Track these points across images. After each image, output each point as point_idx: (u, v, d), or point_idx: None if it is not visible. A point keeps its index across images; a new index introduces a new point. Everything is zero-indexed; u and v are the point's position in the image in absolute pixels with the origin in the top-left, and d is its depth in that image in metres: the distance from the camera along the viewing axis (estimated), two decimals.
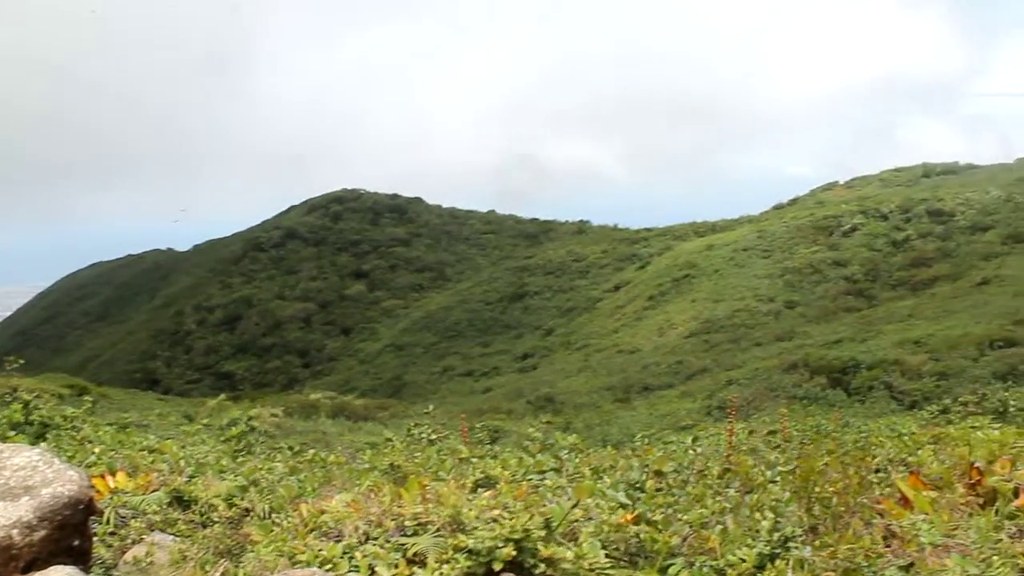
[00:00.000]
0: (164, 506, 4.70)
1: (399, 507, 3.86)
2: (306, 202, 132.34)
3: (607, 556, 3.57)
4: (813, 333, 50.62)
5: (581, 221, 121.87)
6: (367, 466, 6.01)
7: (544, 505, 3.89)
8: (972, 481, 3.73)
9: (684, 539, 3.96)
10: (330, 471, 6.33)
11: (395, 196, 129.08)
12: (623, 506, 4.11)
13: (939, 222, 66.37)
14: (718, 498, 4.56)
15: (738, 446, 7.47)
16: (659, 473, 4.68)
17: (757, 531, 3.92)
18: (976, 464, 3.70)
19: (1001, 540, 3.00)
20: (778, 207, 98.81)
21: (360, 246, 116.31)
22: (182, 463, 5.80)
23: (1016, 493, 3.50)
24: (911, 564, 3.06)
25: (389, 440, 7.28)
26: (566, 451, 5.93)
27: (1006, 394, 17.64)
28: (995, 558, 2.84)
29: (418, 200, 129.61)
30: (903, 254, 63.37)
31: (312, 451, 6.97)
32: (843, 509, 3.79)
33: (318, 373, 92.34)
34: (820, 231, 72.12)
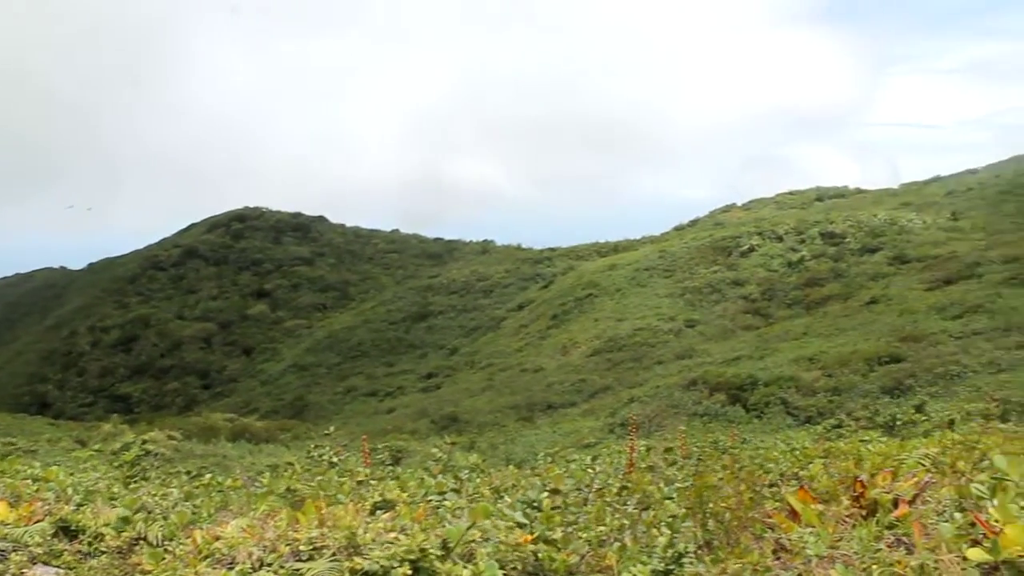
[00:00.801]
0: (48, 537, 4.51)
1: (295, 532, 3.80)
2: (207, 220, 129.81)
3: (504, 575, 3.58)
4: (713, 351, 51.67)
5: (485, 241, 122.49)
6: (265, 490, 5.90)
7: (443, 526, 3.89)
8: (856, 493, 3.86)
9: (582, 557, 3.99)
10: (227, 496, 6.20)
11: (298, 214, 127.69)
12: (521, 526, 4.13)
13: (831, 244, 68.60)
14: (616, 516, 4.62)
15: (638, 463, 7.58)
16: (556, 492, 4.71)
17: (654, 547, 3.99)
18: (859, 477, 3.83)
19: (880, 549, 3.11)
20: (679, 228, 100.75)
21: (262, 265, 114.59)
22: (69, 491, 5.59)
23: (896, 504, 3.63)
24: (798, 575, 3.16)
25: (289, 463, 7.16)
26: (466, 471, 5.94)
27: (896, 409, 18.30)
28: (874, 567, 2.95)
29: (321, 219, 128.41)
30: (798, 274, 65.25)
31: (209, 475, 6.80)
32: (735, 524, 3.88)
33: (218, 395, 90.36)
34: (719, 252, 73.79)
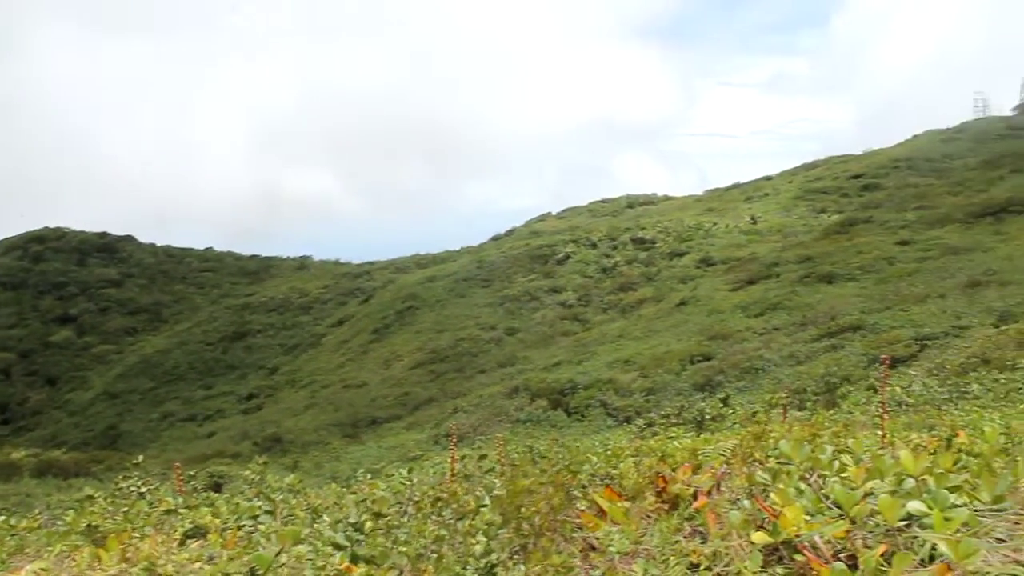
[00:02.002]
0: None
1: (95, 570, 3.65)
2: (0, 242, 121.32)
3: None
4: (533, 358, 52.59)
5: (303, 257, 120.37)
6: (66, 528, 5.59)
7: (255, 551, 3.81)
8: (659, 489, 4.03)
9: (400, 572, 4.00)
10: (23, 538, 5.83)
11: (104, 234, 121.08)
12: (340, 547, 4.11)
13: (642, 249, 71.21)
14: (434, 527, 4.66)
15: (460, 473, 7.65)
16: (378, 514, 4.71)
17: (471, 556, 4.05)
18: (662, 473, 4.02)
19: (679, 541, 3.28)
20: (496, 238, 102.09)
21: (66, 288, 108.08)
22: None
23: (695, 496, 3.82)
24: (603, 573, 3.28)
25: (90, 497, 6.81)
26: (280, 493, 5.83)
27: (703, 404, 19.17)
28: (673, 558, 3.11)
29: (130, 238, 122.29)
30: (612, 279, 67.33)
31: (2, 517, 6.37)
32: (546, 527, 3.99)
33: (20, 429, 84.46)
34: (536, 260, 75.20)
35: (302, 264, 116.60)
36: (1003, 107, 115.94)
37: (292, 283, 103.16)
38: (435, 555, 4.20)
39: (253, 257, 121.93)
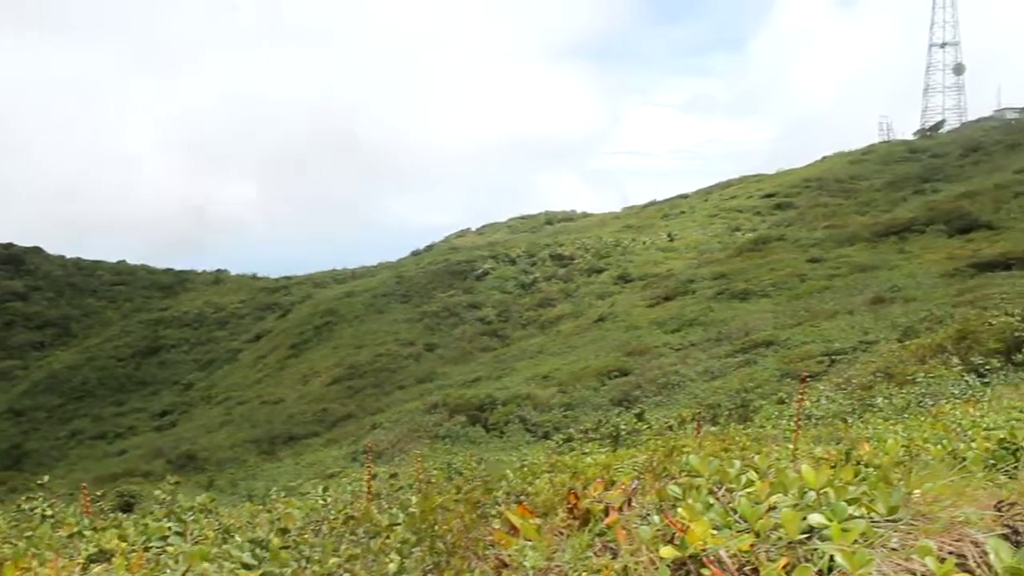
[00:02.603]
0: None
1: None
2: None
3: None
4: (452, 374, 52.53)
5: (219, 270, 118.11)
6: None
7: (162, 574, 3.74)
8: (571, 505, 4.06)
9: None
10: None
11: (9, 245, 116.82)
12: (248, 567, 4.05)
13: (561, 265, 71.73)
14: (347, 546, 4.63)
15: (377, 491, 7.60)
16: (285, 530, 4.65)
17: (384, 575, 4.03)
18: (573, 489, 4.05)
19: (590, 557, 3.32)
20: (415, 253, 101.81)
21: None
22: None
23: (607, 511, 3.86)
24: None
25: None
26: (192, 513, 5.72)
27: (618, 419, 19.37)
28: (584, 574, 3.14)
29: (36, 250, 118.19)
30: (531, 295, 67.67)
31: None
32: (459, 545, 4.00)
33: None
34: (455, 276, 75.18)
35: (218, 278, 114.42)
36: (906, 131, 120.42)
37: (208, 297, 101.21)
38: (347, 574, 4.17)
39: (168, 271, 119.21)
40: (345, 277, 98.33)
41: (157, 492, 6.82)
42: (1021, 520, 2.96)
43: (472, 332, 63.57)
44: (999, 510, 3.03)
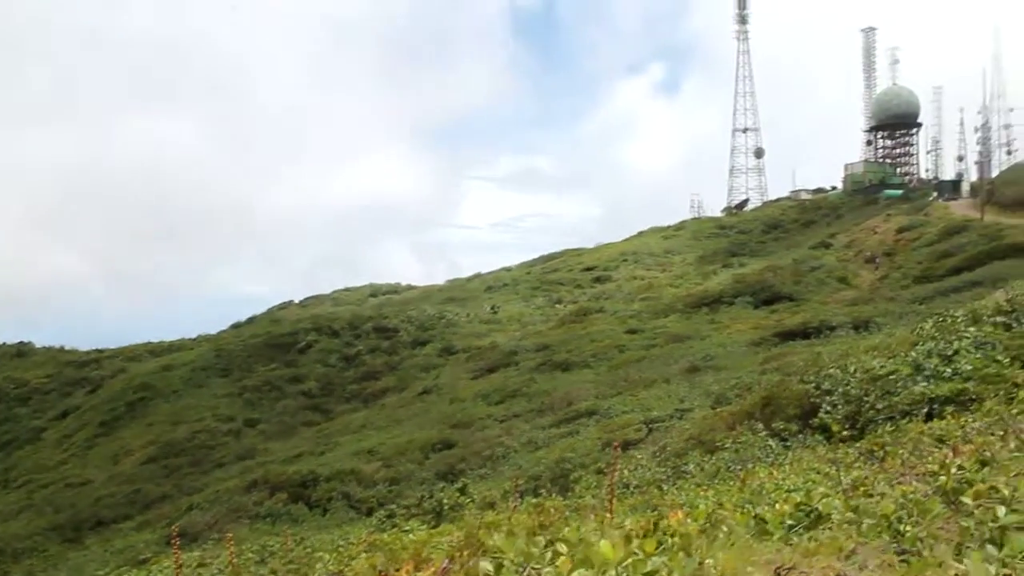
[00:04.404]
0: None
1: None
2: None
3: None
4: (274, 450, 51.03)
5: (21, 343, 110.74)
6: None
7: None
8: None
9: None
10: None
11: None
12: None
13: (385, 338, 71.28)
14: None
15: None
16: None
17: None
18: (384, 571, 4.07)
19: None
20: (236, 325, 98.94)
21: None
22: None
23: None
24: None
25: None
26: None
27: (441, 494, 19.31)
28: None
29: None
30: (355, 369, 66.84)
31: None
32: None
33: None
34: (277, 348, 73.45)
35: (20, 351, 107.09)
36: (715, 208, 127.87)
37: (8, 372, 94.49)
38: None
39: None
40: (162, 350, 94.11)
41: None
42: None
43: (294, 406, 62.08)
44: (778, 575, 3.26)
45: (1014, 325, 16.74)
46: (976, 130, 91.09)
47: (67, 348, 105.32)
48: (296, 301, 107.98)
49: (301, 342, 73.23)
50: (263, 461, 47.98)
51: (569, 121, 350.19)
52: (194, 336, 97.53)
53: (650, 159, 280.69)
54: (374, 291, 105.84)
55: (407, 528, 8.83)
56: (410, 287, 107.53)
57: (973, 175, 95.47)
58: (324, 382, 65.51)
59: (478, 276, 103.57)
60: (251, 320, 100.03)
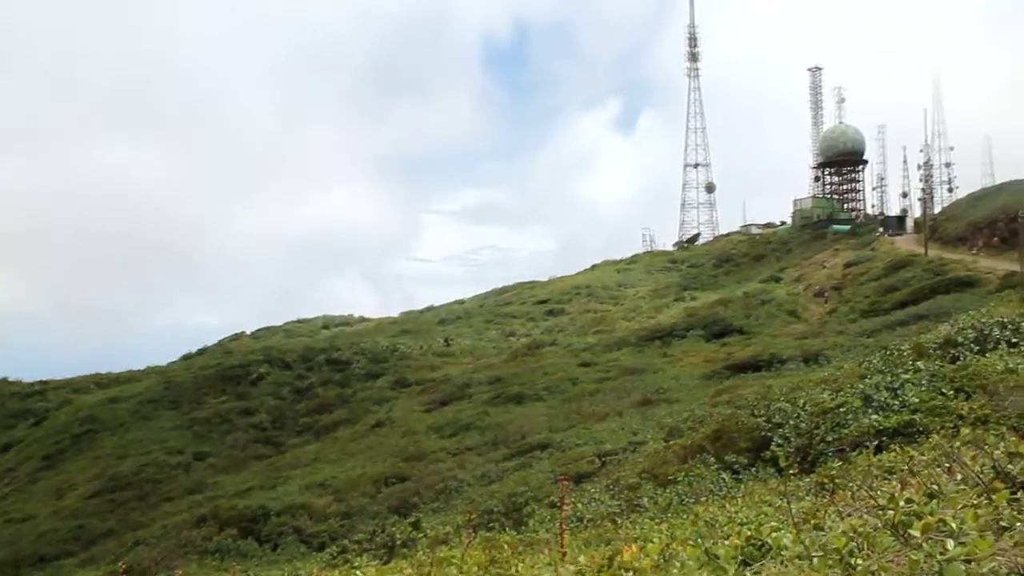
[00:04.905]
0: None
1: None
2: None
3: None
4: (224, 483, 50.25)
5: None
6: None
7: None
8: None
9: None
10: None
11: None
12: None
13: (337, 370, 70.73)
14: None
15: None
16: None
17: None
18: None
19: None
20: (187, 357, 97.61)
21: None
22: None
23: None
24: None
25: None
26: None
27: (393, 529, 19.14)
28: None
29: None
30: (307, 401, 66.17)
31: None
32: None
33: None
34: (228, 380, 72.53)
35: None
36: (667, 242, 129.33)
37: None
38: None
39: None
40: (109, 382, 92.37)
41: None
42: None
43: (245, 439, 61.23)
44: None
45: (959, 357, 17.10)
46: (919, 167, 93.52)
47: (11, 379, 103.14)
48: (248, 333, 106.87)
49: (253, 374, 72.39)
50: (212, 495, 47.23)
51: (530, 156, 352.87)
52: (143, 368, 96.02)
53: (607, 193, 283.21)
54: (327, 323, 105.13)
55: (356, 565, 8.73)
56: (363, 319, 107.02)
57: (917, 211, 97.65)
58: (276, 415, 64.76)
59: (431, 309, 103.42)
60: (202, 351, 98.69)
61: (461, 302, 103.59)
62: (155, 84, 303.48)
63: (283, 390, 69.07)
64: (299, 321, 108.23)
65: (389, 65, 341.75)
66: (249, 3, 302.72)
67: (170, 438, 63.01)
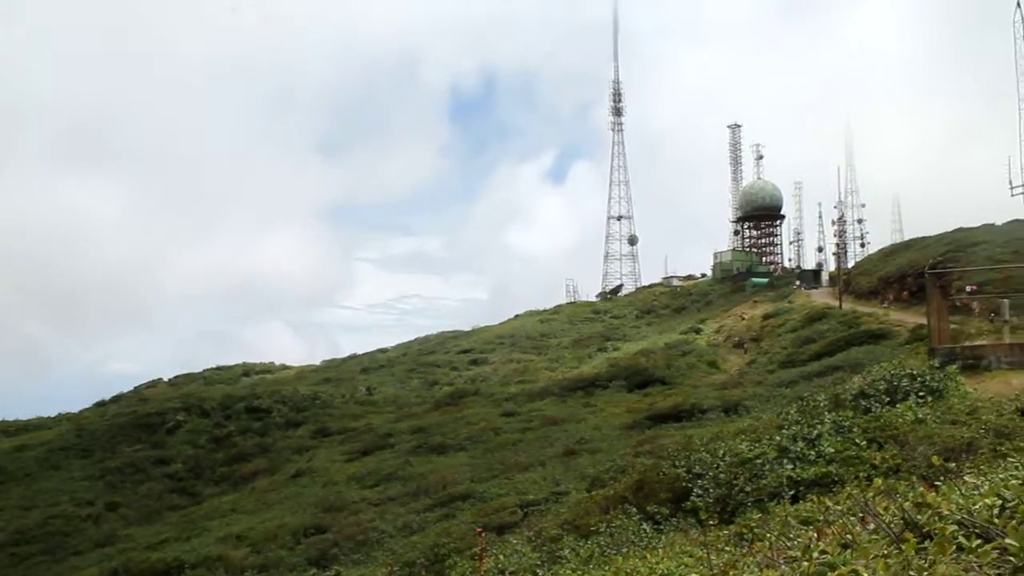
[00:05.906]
0: None
1: None
2: None
3: None
4: (137, 536, 48.75)
5: None
6: None
7: None
8: None
9: None
10: None
11: None
12: None
13: (257, 419, 69.46)
14: None
15: None
16: None
17: None
18: None
19: None
20: (100, 404, 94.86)
21: None
22: None
23: None
24: None
25: None
26: None
27: None
28: None
29: None
30: (225, 450, 64.74)
31: None
32: None
33: None
34: (143, 428, 70.67)
35: None
36: (590, 293, 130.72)
37: None
38: None
39: None
40: (16, 429, 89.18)
41: None
42: None
43: (159, 489, 59.56)
44: None
45: (871, 409, 17.63)
46: (833, 223, 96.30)
47: None
48: (165, 379, 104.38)
49: (169, 422, 70.65)
50: (124, 548, 45.79)
51: (466, 205, 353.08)
52: (54, 415, 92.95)
53: (537, 244, 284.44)
54: (247, 370, 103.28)
55: None
56: (285, 367, 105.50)
57: (831, 265, 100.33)
58: (192, 464, 63.20)
59: (354, 357, 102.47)
60: (117, 399, 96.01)
61: (384, 351, 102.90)
62: (112, 122, 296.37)
63: (200, 438, 67.51)
64: (219, 368, 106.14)
65: (356, 109, 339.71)
66: (221, 43, 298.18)
67: (80, 488, 60.98)
